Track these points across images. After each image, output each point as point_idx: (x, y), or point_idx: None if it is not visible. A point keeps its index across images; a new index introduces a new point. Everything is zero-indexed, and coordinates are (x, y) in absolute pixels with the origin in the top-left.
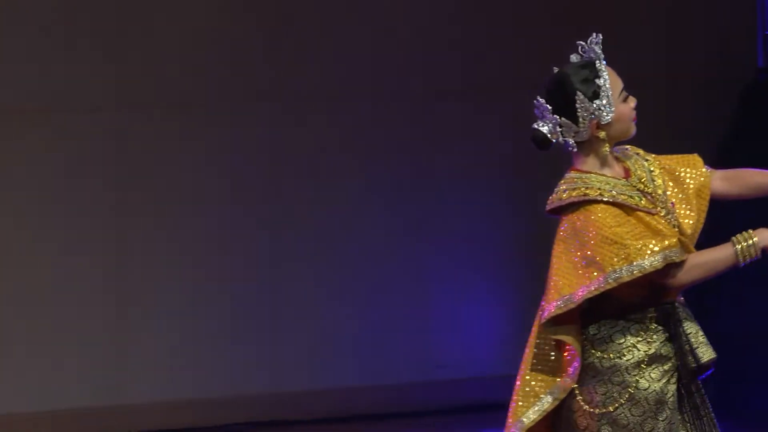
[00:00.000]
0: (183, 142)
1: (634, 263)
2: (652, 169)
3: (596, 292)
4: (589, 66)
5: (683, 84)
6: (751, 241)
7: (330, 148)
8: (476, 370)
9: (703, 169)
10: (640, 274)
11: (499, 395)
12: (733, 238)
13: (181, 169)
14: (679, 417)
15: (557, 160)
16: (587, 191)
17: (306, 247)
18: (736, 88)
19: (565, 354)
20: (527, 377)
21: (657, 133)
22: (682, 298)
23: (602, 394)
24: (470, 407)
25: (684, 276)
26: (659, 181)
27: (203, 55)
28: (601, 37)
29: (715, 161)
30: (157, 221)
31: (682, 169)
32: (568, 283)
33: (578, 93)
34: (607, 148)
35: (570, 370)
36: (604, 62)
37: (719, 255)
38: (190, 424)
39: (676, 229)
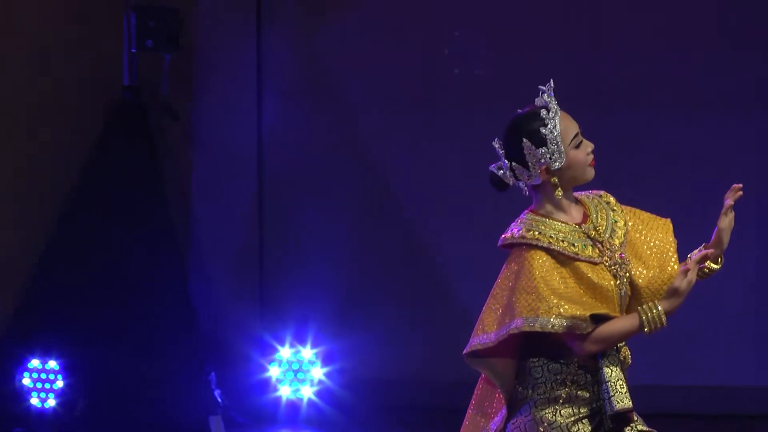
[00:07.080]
0: None
1: (538, 318)
2: (616, 220)
3: (504, 337)
4: (538, 114)
5: (49, 108)
6: (656, 311)
7: None
8: None
9: (671, 238)
10: (540, 330)
11: None
12: (639, 308)
13: None
14: None
15: None
16: (527, 234)
17: None
18: (102, 108)
19: (497, 395)
20: (471, 415)
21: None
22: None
23: (518, 427)
24: None
25: (589, 346)
26: (620, 233)
27: None
28: (552, 85)
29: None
30: None
31: (649, 231)
32: (491, 321)
33: (524, 140)
34: (560, 193)
35: (497, 418)
36: (556, 109)
37: (625, 326)
38: None
39: (617, 281)
